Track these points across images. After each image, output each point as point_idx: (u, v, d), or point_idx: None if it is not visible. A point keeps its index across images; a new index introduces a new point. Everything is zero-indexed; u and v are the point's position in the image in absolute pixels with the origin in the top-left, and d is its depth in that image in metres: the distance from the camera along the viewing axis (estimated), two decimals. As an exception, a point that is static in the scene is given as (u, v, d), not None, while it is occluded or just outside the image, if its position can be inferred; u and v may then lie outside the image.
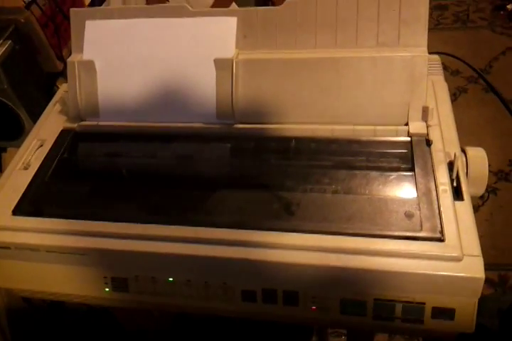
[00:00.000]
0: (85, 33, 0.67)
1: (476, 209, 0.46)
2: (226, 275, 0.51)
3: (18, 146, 0.69)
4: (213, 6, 0.87)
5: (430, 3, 0.59)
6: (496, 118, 1.48)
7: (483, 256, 0.46)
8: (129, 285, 0.55)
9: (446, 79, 0.68)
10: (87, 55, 0.67)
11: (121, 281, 0.55)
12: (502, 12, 1.89)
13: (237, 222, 0.51)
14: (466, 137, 0.59)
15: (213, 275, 0.52)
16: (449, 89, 0.65)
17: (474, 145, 0.58)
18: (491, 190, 1.32)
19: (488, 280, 0.47)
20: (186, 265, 0.52)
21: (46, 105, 0.75)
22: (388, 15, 0.59)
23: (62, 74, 1.18)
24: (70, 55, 0.68)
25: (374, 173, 0.54)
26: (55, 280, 0.57)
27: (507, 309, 0.91)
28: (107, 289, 0.55)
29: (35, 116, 0.91)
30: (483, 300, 0.48)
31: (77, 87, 0.67)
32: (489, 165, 0.55)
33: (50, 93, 1.07)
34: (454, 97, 1.59)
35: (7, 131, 1.00)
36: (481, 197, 1.30)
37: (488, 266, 0.46)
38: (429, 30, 0.60)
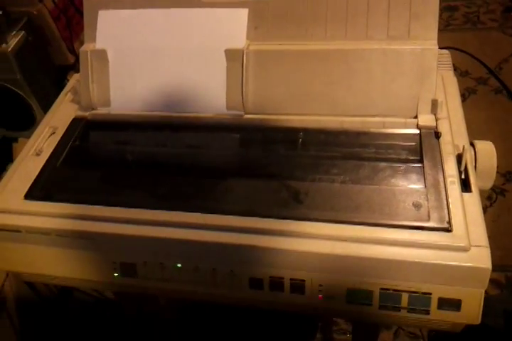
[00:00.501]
0: (98, 22, 0.68)
1: (483, 210, 0.47)
2: (234, 263, 0.52)
3: (29, 137, 0.70)
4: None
5: (440, 3, 0.59)
6: (505, 120, 1.48)
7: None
8: (138, 271, 0.55)
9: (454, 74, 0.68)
10: (99, 44, 0.67)
11: (130, 267, 0.55)
12: (512, 14, 1.88)
13: (246, 210, 0.52)
14: (475, 138, 0.59)
15: (221, 262, 0.52)
16: (458, 90, 0.65)
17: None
18: (498, 191, 1.31)
19: (494, 282, 0.47)
20: (194, 251, 0.52)
21: (57, 97, 0.75)
22: (399, 8, 0.59)
23: (74, 68, 1.19)
24: (81, 48, 0.69)
25: (382, 164, 0.54)
26: (64, 264, 0.57)
27: (513, 310, 0.91)
28: (116, 274, 0.56)
29: (46, 106, 0.91)
30: (489, 301, 0.48)
31: (90, 75, 0.67)
32: (497, 167, 0.55)
33: (60, 86, 1.08)
34: (463, 98, 1.59)
35: (19, 121, 1.01)
36: (489, 198, 1.29)
37: (494, 268, 0.46)
38: (439, 31, 0.60)
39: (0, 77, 0.94)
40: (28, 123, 1.01)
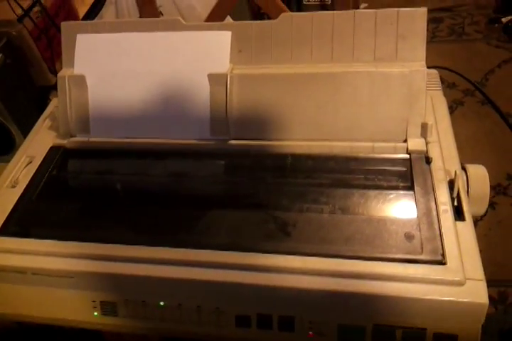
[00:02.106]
0: (76, 46, 0.66)
1: (474, 223, 0.46)
2: (219, 300, 0.49)
3: (9, 161, 0.67)
4: (207, 20, 0.87)
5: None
6: (493, 132, 1.48)
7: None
8: (119, 310, 0.52)
9: (443, 93, 0.67)
10: (78, 69, 0.65)
11: (110, 305, 0.52)
12: (497, 25, 1.89)
13: (231, 244, 0.50)
14: (463, 150, 0.58)
15: (206, 299, 0.50)
16: (448, 111, 0.64)
17: (471, 158, 0.56)
18: (489, 204, 1.30)
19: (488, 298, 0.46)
20: (178, 289, 0.49)
21: (38, 119, 0.73)
22: (385, 29, 0.58)
23: (55, 88, 1.17)
24: (58, 73, 0.67)
25: (372, 192, 0.53)
26: (41, 303, 0.55)
27: (508, 330, 0.89)
28: (96, 313, 0.53)
29: (26, 130, 0.89)
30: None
31: (68, 102, 0.65)
32: None
33: (42, 106, 1.06)
34: (451, 110, 1.59)
35: (-2, 146, 0.99)
36: (479, 211, 1.28)
37: (487, 283, 0.44)
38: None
39: (-23, 101, 0.91)
40: (7, 148, 0.98)
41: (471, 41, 1.90)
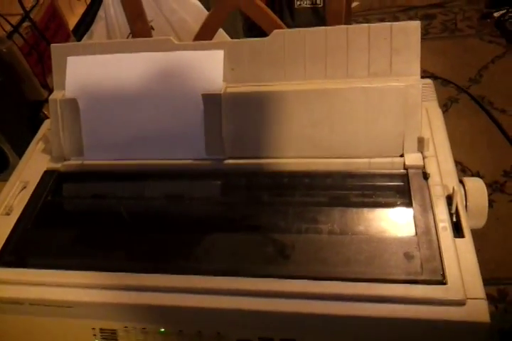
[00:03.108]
0: (67, 69, 0.66)
1: None
2: (220, 325, 0.49)
3: (3, 180, 0.66)
4: (199, 33, 0.86)
5: (417, 12, 0.58)
6: (488, 128, 1.47)
7: (481, 271, 0.45)
8: (119, 337, 0.52)
9: (437, 90, 0.67)
10: (69, 92, 0.65)
11: (110, 332, 0.52)
12: (489, 20, 1.89)
13: (230, 269, 0.49)
14: (459, 148, 0.58)
15: (206, 325, 0.50)
16: (440, 100, 0.64)
17: (467, 156, 0.57)
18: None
19: (487, 296, 0.46)
20: (178, 315, 0.50)
21: (31, 136, 0.73)
22: (379, 44, 0.58)
23: (48, 102, 1.17)
24: (50, 96, 0.66)
25: (370, 210, 0.53)
26: (40, 333, 0.55)
27: (509, 328, 0.89)
28: (96, 341, 0.53)
29: (19, 148, 0.89)
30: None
31: (60, 125, 0.65)
32: (483, 177, 0.54)
33: (35, 121, 1.06)
34: (445, 108, 1.59)
35: (-9, 165, 0.98)
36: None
37: (486, 281, 0.45)
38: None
39: (-32, 121, 0.91)
40: (1, 167, 0.97)
41: (464, 37, 1.89)
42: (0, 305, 0.53)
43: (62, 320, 0.53)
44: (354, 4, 1.76)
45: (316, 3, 1.46)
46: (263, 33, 0.80)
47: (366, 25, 0.59)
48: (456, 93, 1.62)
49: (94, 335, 0.53)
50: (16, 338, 0.55)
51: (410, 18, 1.87)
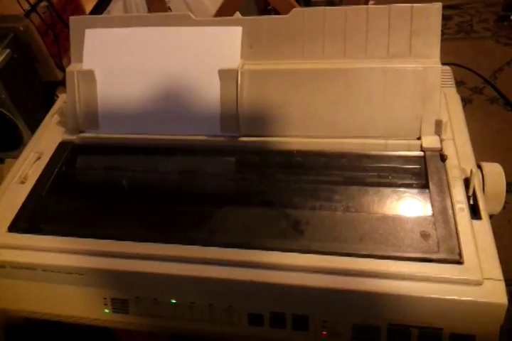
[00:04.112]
0: (85, 41, 0.65)
1: None
2: (232, 298, 0.49)
3: (16, 157, 0.66)
4: (216, 15, 0.86)
5: None
6: (501, 130, 1.46)
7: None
8: (130, 307, 0.52)
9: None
10: (86, 64, 0.65)
11: (122, 303, 0.52)
12: (506, 22, 1.88)
13: (243, 242, 0.49)
14: (472, 149, 0.57)
15: (218, 297, 0.49)
16: (462, 108, 0.63)
17: (480, 157, 0.56)
18: (499, 203, 1.29)
19: None
20: (189, 286, 0.49)
21: (45, 115, 0.73)
22: (399, 25, 0.57)
23: (63, 83, 1.16)
24: (67, 68, 0.66)
25: (386, 190, 0.52)
26: (52, 300, 0.54)
27: (519, 329, 0.87)
28: (107, 310, 0.53)
29: (33, 126, 0.89)
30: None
31: (76, 97, 0.65)
32: None
33: (49, 102, 1.05)
34: (458, 108, 1.58)
35: (5, 142, 0.98)
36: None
37: None
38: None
39: (-16, 96, 0.91)
40: (14, 144, 0.97)
41: (479, 39, 1.88)
42: (13, 271, 0.53)
43: (73, 288, 0.52)
44: (370, 3, 1.75)
45: (332, -1, 1.46)
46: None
47: (387, 5, 0.59)
48: (470, 94, 1.60)
49: (106, 305, 0.52)
50: (28, 304, 0.55)
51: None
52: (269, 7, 1.39)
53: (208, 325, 0.50)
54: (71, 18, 0.67)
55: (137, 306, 0.51)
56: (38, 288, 0.54)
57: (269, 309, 0.48)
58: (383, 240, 0.47)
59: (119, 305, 0.52)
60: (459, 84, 1.62)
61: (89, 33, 0.65)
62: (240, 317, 0.49)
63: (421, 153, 0.55)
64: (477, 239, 0.46)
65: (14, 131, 0.96)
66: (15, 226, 0.55)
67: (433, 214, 0.48)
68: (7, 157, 1.01)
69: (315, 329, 0.47)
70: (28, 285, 0.54)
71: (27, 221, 0.55)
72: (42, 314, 0.57)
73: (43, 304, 0.55)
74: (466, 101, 1.58)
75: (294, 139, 0.59)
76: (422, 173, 0.53)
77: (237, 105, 0.60)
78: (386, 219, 0.49)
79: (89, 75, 0.63)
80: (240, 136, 0.61)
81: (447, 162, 0.53)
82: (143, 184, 0.59)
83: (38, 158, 0.64)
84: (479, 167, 0.54)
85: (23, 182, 0.60)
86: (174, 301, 0.50)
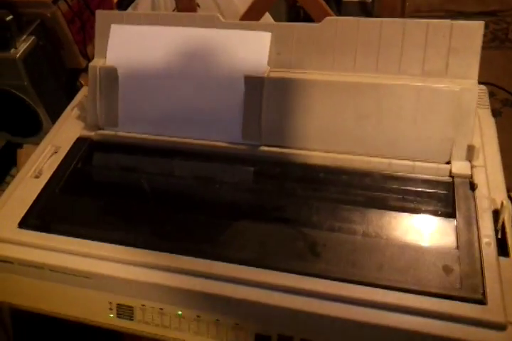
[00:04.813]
0: (110, 37, 0.62)
1: None
2: (239, 316, 0.46)
3: (35, 143, 0.64)
4: (245, 14, 0.82)
5: (466, 19, 0.53)
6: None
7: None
8: (135, 314, 0.49)
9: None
10: (110, 60, 0.61)
11: (127, 309, 0.50)
12: (543, 33, 1.80)
13: (256, 259, 0.46)
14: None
15: (225, 314, 0.46)
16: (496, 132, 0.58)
17: (508, 170, 0.52)
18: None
19: None
20: (197, 300, 0.46)
21: (66, 102, 0.70)
22: (437, 41, 0.53)
23: (86, 71, 1.14)
24: (94, 52, 0.63)
25: (410, 216, 0.48)
26: (57, 300, 0.52)
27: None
28: (112, 315, 0.50)
29: (54, 113, 0.86)
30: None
31: (97, 93, 0.62)
32: None
33: (71, 89, 1.03)
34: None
35: (24, 128, 0.96)
36: None
37: None
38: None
39: (7, 82, 0.88)
40: (33, 130, 0.95)
41: (514, 48, 1.80)
42: (21, 267, 0.51)
43: (79, 290, 0.50)
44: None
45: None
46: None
47: (425, 20, 0.55)
48: (500, 106, 1.54)
49: (111, 309, 0.50)
50: (34, 302, 0.53)
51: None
52: (298, 4, 1.34)
53: (213, 340, 0.48)
54: (97, 11, 0.64)
55: (143, 314, 0.49)
56: (44, 287, 0.52)
57: (277, 331, 0.45)
58: (403, 271, 0.43)
59: (125, 311, 0.50)
60: (489, 95, 1.56)
61: (114, 28, 0.62)
62: (246, 336, 0.46)
63: (449, 179, 0.51)
64: (503, 277, 0.42)
65: (34, 117, 0.94)
66: (25, 223, 0.53)
67: (457, 247, 0.45)
68: (26, 142, 0.99)
69: (323, 356, 0.45)
70: (35, 283, 0.52)
71: (38, 218, 0.53)
72: (46, 312, 0.55)
73: (48, 302, 0.53)
74: (496, 114, 1.51)
75: (317, 153, 0.56)
76: (449, 201, 0.49)
77: (260, 113, 0.57)
78: (407, 248, 0.45)
79: (111, 72, 0.60)
80: (261, 145, 0.58)
81: (477, 191, 0.49)
82: (158, 188, 0.57)
83: (55, 152, 0.61)
84: (510, 198, 0.50)
85: (37, 177, 0.58)
86: (180, 313, 0.48)
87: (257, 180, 0.56)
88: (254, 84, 0.57)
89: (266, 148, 0.57)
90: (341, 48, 0.56)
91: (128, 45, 0.61)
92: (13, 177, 0.94)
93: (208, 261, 0.47)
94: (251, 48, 0.58)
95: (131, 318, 0.50)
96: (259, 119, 0.57)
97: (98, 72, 0.61)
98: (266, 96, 0.57)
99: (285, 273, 0.44)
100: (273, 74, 0.57)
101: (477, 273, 0.42)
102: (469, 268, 0.43)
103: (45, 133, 0.66)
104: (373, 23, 0.55)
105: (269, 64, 0.57)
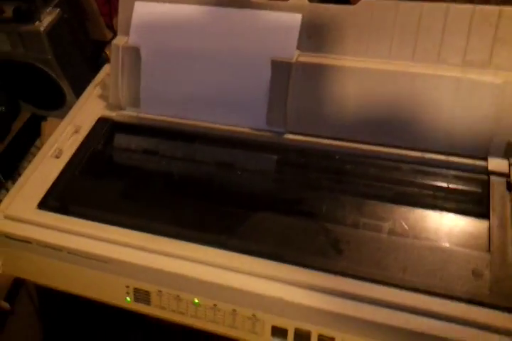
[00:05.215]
0: (133, 14, 0.59)
1: None
2: (256, 307, 0.44)
3: (59, 116, 0.62)
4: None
5: None
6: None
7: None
8: (151, 299, 0.49)
9: None
10: (133, 39, 0.59)
11: (144, 293, 0.49)
12: None
13: (276, 253, 0.44)
14: None
15: (242, 305, 0.45)
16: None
17: None
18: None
19: None
20: (214, 290, 0.45)
21: (91, 75, 0.68)
22: (482, 30, 0.49)
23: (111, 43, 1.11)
24: (113, 40, 0.60)
25: (440, 214, 0.46)
26: (75, 281, 0.52)
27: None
28: (128, 299, 0.50)
29: (78, 87, 0.84)
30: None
31: (120, 72, 0.59)
32: None
33: (96, 61, 1.01)
34: None
35: (48, 101, 0.94)
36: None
37: None
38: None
39: (31, 56, 0.86)
40: (57, 104, 0.94)
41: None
42: (39, 248, 0.50)
43: (97, 273, 0.49)
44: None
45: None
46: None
47: (471, 5, 0.50)
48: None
49: (128, 293, 0.49)
50: (53, 281, 0.53)
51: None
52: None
53: (229, 329, 0.47)
54: (121, -14, 0.61)
55: (159, 299, 0.48)
56: (61, 267, 0.51)
57: (294, 325, 0.44)
58: (429, 273, 0.41)
59: (141, 296, 0.49)
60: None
61: (138, 5, 0.58)
62: (263, 327, 0.45)
63: (485, 177, 0.48)
64: (536, 285, 0.40)
65: (58, 91, 0.92)
66: (45, 204, 0.51)
67: (489, 250, 0.42)
68: (50, 115, 0.98)
69: (340, 354, 0.43)
70: (53, 263, 0.51)
71: (57, 200, 0.52)
72: (65, 291, 0.55)
73: (66, 283, 0.53)
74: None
75: (345, 143, 0.53)
76: (483, 200, 0.46)
77: (286, 99, 0.54)
78: (435, 248, 0.43)
79: (134, 52, 0.58)
80: (285, 133, 0.55)
81: (514, 192, 0.46)
82: (178, 173, 0.55)
83: (76, 132, 0.59)
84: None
85: (57, 157, 0.56)
86: (197, 301, 0.47)
87: (280, 169, 0.53)
88: (281, 68, 0.53)
89: (291, 136, 0.55)
90: (377, 33, 0.52)
91: (152, 24, 0.58)
92: (38, 148, 0.94)
93: (226, 252, 0.45)
94: (280, 30, 0.54)
95: (147, 303, 0.49)
96: (285, 105, 0.54)
97: (120, 52, 0.58)
98: (293, 82, 0.53)
99: (305, 269, 0.43)
100: (302, 59, 0.53)
101: (509, 278, 0.40)
102: (501, 273, 0.40)
103: (69, 107, 0.64)
104: (413, 7, 0.51)
105: (298, 47, 0.54)
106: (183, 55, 0.57)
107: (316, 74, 0.53)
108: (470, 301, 0.39)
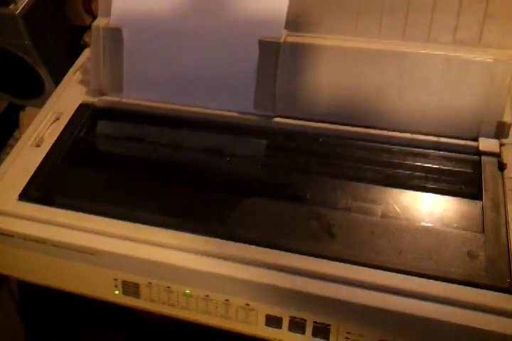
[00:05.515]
0: (114, -6, 0.56)
1: None
2: (250, 296, 0.43)
3: (37, 105, 0.59)
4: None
5: None
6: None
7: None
8: (141, 292, 0.47)
9: None
10: (114, 20, 0.56)
11: (133, 286, 0.47)
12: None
13: (268, 239, 0.43)
14: None
15: (235, 294, 0.43)
16: None
17: None
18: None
19: None
20: (205, 281, 0.43)
21: (70, 63, 0.65)
22: (472, 6, 0.47)
23: (90, 28, 1.07)
24: (93, 22, 0.57)
25: (432, 196, 0.45)
26: (60, 275, 0.49)
27: None
28: (117, 292, 0.48)
29: (57, 74, 0.81)
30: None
31: (101, 56, 0.56)
32: None
33: (76, 48, 0.97)
34: None
35: (26, 89, 0.90)
36: None
37: None
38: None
39: (7, 41, 0.82)
40: (36, 92, 0.90)
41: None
42: (22, 241, 0.48)
43: (83, 266, 0.47)
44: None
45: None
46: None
47: (461, -18, 0.48)
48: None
49: (116, 286, 0.47)
50: (37, 277, 0.51)
51: None
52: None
53: (223, 320, 0.45)
54: (101, -35, 0.57)
55: (149, 292, 0.46)
56: (46, 261, 0.49)
57: (288, 313, 0.43)
58: (424, 256, 0.40)
59: (130, 288, 0.47)
60: None
61: (119, -16, 0.55)
62: (256, 317, 0.44)
63: (476, 157, 0.47)
64: (531, 265, 0.39)
65: (36, 78, 0.88)
66: (26, 195, 0.49)
67: (483, 231, 0.41)
68: (28, 105, 0.94)
69: (337, 340, 0.42)
70: (37, 257, 0.49)
71: (39, 190, 0.49)
72: (50, 286, 0.52)
73: (51, 277, 0.50)
74: None
75: (334, 126, 0.51)
76: (475, 181, 0.45)
77: (274, 81, 0.52)
78: (429, 231, 0.42)
79: (116, 33, 0.55)
80: (274, 117, 0.53)
81: (506, 171, 0.45)
82: (165, 160, 0.52)
83: (57, 119, 0.57)
84: (540, 179, 0.46)
85: (38, 146, 0.54)
86: (188, 292, 0.45)
87: (269, 153, 0.52)
88: (269, 49, 0.51)
89: (279, 120, 0.53)
90: (366, 11, 0.50)
91: (134, 4, 0.55)
92: (16, 139, 0.90)
93: (217, 240, 0.43)
94: (267, 9, 0.52)
95: (137, 296, 0.47)
96: (273, 88, 0.52)
97: (101, 33, 0.55)
98: (282, 63, 0.51)
99: (298, 255, 0.41)
100: (290, 39, 0.51)
101: (504, 259, 0.39)
102: (495, 253, 0.39)
103: (48, 96, 0.61)
104: (402, -17, 0.49)
105: (286, 27, 0.51)
106: (167, 37, 0.54)
107: (305, 54, 0.51)
108: (466, 283, 0.38)
